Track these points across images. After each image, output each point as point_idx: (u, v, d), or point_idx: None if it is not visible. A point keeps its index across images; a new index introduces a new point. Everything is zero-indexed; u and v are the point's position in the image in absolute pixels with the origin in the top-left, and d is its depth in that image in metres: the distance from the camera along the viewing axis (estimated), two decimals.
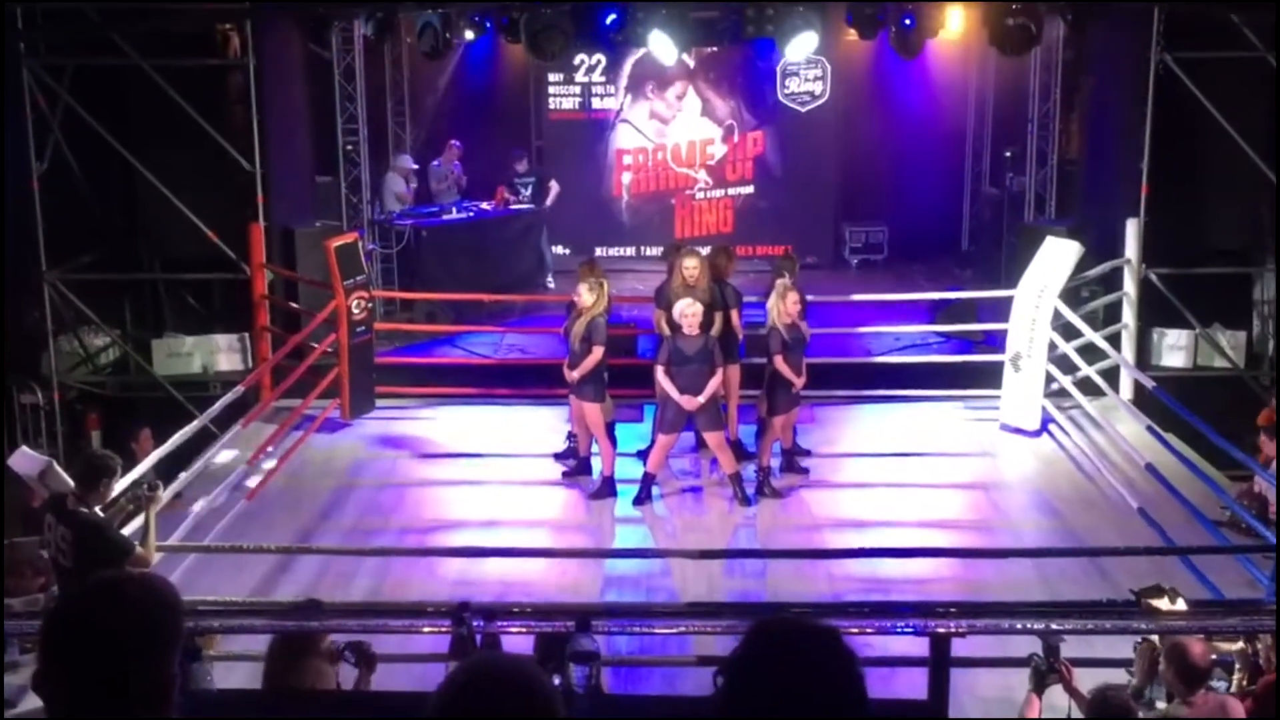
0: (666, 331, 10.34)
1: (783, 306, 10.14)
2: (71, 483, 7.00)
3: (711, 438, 10.24)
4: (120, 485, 7.56)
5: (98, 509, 6.87)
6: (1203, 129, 12.41)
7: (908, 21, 13.12)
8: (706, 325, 10.12)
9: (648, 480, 10.32)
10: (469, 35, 14.56)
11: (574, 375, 10.18)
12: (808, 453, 11.17)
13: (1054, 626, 5.27)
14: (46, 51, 12.44)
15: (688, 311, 9.94)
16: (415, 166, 15.71)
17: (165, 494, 7.78)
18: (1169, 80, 12.40)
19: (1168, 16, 12.45)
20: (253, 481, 10.40)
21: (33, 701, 6.16)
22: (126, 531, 7.37)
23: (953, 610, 5.37)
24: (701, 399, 9.90)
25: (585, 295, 10.13)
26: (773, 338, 10.20)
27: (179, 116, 12.31)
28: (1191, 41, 12.42)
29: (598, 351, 10.06)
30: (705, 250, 11.38)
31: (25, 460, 7.71)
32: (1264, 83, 12.20)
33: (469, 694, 2.27)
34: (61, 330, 13.05)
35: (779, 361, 10.14)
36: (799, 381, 10.27)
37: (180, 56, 12.51)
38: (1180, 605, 6.07)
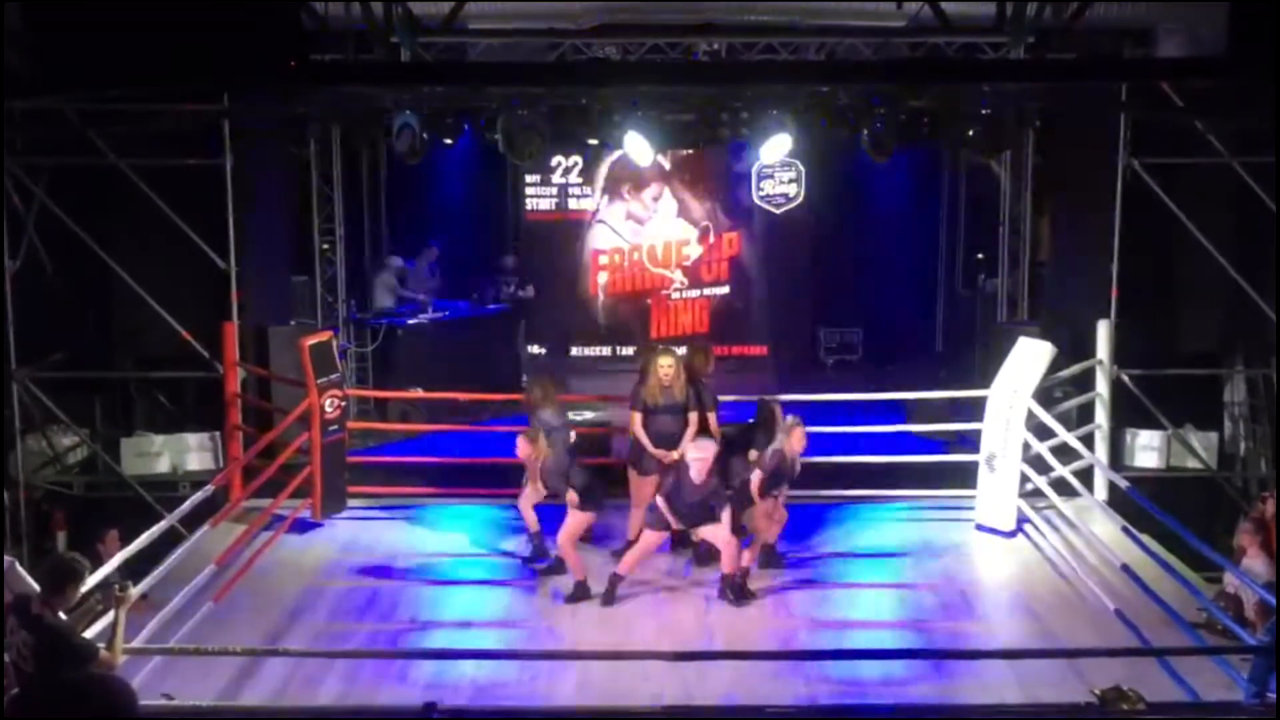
0: (640, 433, 10.31)
1: (789, 444, 10.26)
2: (34, 584, 6.88)
3: (709, 531, 10.18)
4: (85, 587, 7.45)
5: (62, 613, 6.76)
6: (1171, 233, 12.65)
7: (879, 126, 13.19)
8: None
9: (615, 581, 10.23)
10: (447, 139, 14.61)
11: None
12: (782, 555, 11.10)
13: None
14: (23, 150, 12.47)
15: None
16: (401, 264, 15.78)
17: (134, 592, 7.65)
18: (1137, 185, 12.60)
19: (1135, 123, 12.71)
20: (220, 583, 10.24)
21: None
22: (92, 632, 7.24)
23: (930, 713, 5.30)
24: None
25: (522, 446, 10.42)
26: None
27: (154, 214, 12.34)
28: (1159, 148, 12.68)
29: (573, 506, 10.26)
30: (681, 350, 11.41)
31: None
32: (1229, 188, 12.45)
33: None
34: (30, 429, 12.93)
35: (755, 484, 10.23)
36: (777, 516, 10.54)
37: (157, 155, 12.56)
38: (1141, 707, 6.02)
